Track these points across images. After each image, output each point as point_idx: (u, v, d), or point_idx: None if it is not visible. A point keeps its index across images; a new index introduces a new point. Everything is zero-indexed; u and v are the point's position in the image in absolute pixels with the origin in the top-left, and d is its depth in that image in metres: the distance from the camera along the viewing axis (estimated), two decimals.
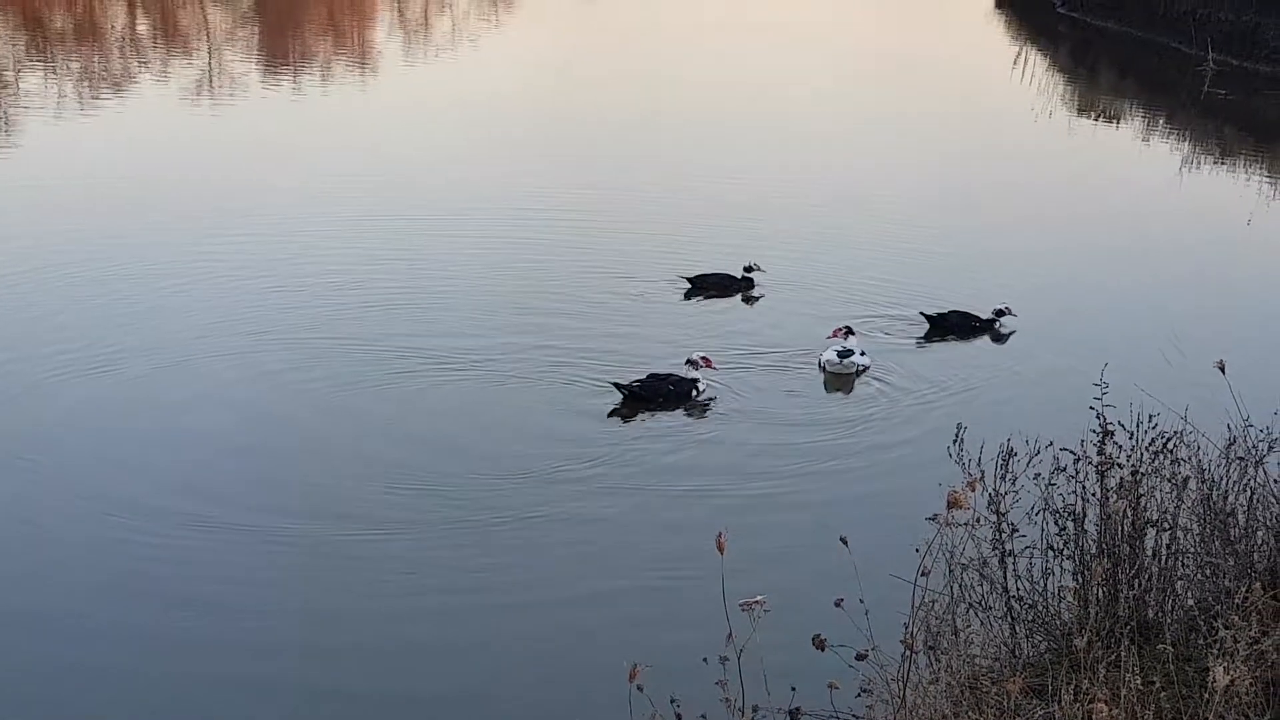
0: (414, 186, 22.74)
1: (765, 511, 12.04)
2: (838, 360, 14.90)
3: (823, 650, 5.93)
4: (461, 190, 22.48)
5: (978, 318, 16.32)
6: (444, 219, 20.61)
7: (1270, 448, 7.47)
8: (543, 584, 10.86)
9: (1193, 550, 7.27)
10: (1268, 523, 7.10)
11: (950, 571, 6.94)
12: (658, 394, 13.83)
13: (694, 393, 14.01)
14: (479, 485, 12.35)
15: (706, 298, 17.00)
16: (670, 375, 14.04)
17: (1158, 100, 32.62)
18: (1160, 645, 6.19)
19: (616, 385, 13.92)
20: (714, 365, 14.33)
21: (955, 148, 26.33)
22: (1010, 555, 7.28)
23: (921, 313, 16.35)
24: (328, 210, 21.08)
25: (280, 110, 29.23)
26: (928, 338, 16.09)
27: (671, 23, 41.29)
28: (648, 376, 14.00)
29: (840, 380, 14.86)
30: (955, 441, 7.31)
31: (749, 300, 17.09)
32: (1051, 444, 7.51)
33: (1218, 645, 5.71)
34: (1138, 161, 26.47)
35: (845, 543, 6.30)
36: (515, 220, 20.52)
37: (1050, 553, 7.33)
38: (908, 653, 5.97)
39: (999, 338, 16.24)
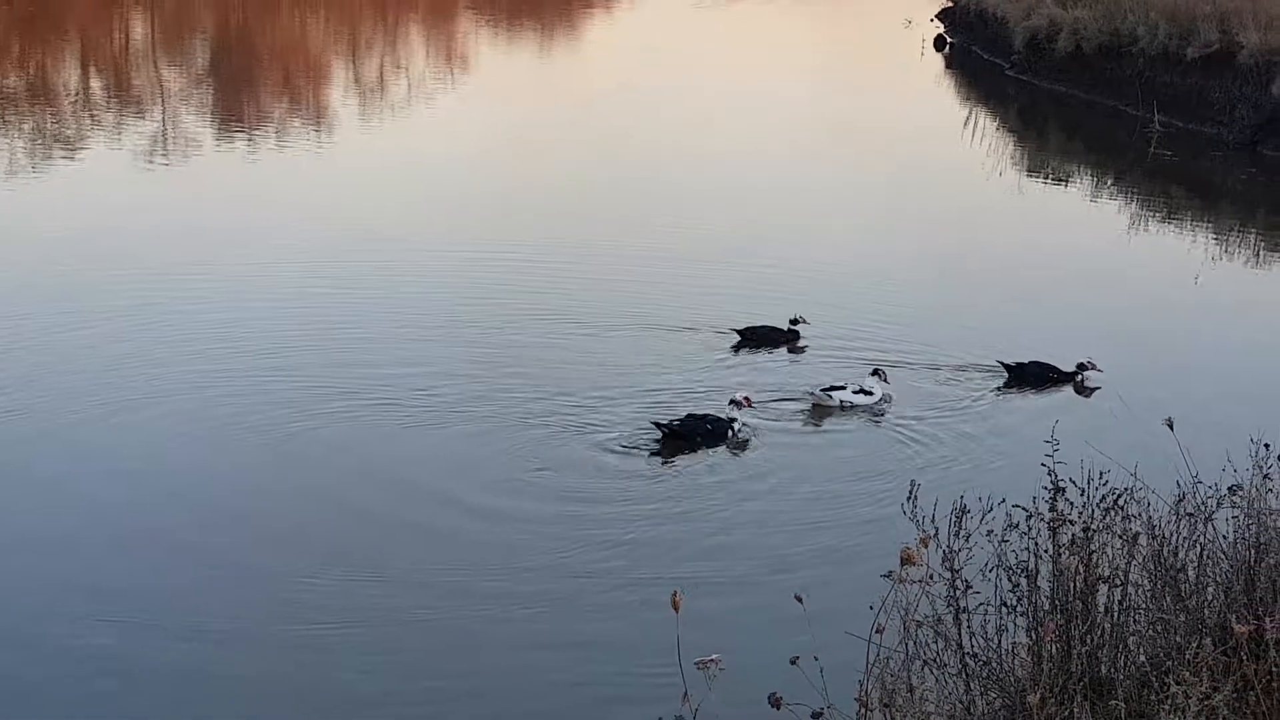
0: (404, 241, 22.80)
1: (726, 567, 12.07)
2: (819, 392, 15.56)
3: (779, 708, 5.94)
4: (467, 245, 22.61)
5: (1057, 369, 16.45)
6: (448, 274, 20.75)
7: (1219, 504, 7.54)
8: (503, 647, 10.80)
9: (1144, 606, 7.30)
10: (1217, 579, 7.16)
11: (905, 628, 6.95)
12: (695, 433, 14.48)
13: (730, 433, 14.61)
14: (456, 558, 12.26)
15: (755, 349, 17.48)
16: (708, 415, 14.69)
17: (1105, 161, 33.08)
18: (1113, 701, 6.23)
19: (656, 424, 14.55)
20: (753, 405, 14.96)
21: (911, 208, 26.57)
22: (965, 612, 7.30)
23: (999, 361, 16.54)
24: (312, 265, 21.10)
25: (234, 168, 29.21)
26: (1006, 388, 16.27)
27: (628, 86, 41.59)
28: (686, 417, 14.68)
29: (821, 411, 15.50)
30: (909, 499, 7.34)
31: (795, 351, 17.50)
32: (1004, 500, 7.56)
33: (1169, 701, 5.75)
34: (1086, 221, 26.78)
35: (800, 600, 6.32)
36: (526, 273, 20.78)
37: (1004, 609, 7.36)
38: (863, 710, 5.98)
39: (1082, 391, 16.37)
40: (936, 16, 52.41)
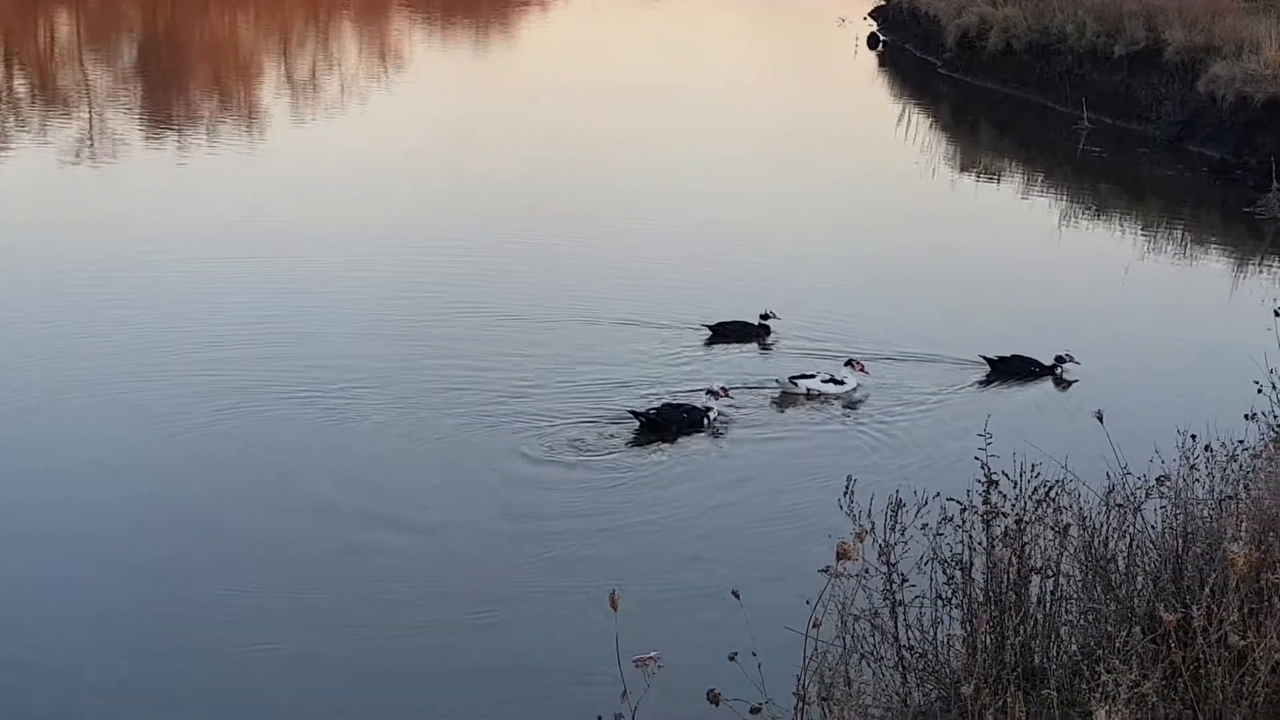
0: (348, 238, 22.71)
1: (667, 564, 12.12)
2: (786, 380, 15.99)
3: (717, 705, 5.98)
4: (414, 241, 22.59)
5: (1038, 363, 16.83)
6: (396, 270, 20.67)
7: (1147, 494, 7.67)
8: (435, 649, 10.79)
9: (1075, 596, 7.43)
10: (1146, 568, 7.28)
11: (843, 623, 7.02)
12: (671, 421, 14.76)
13: (705, 421, 14.91)
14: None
15: (727, 344, 17.79)
16: (684, 405, 15.01)
17: (1036, 158, 33.42)
18: (1045, 690, 6.32)
19: (634, 413, 14.85)
20: (730, 395, 15.28)
21: (849, 206, 26.75)
22: (901, 605, 7.39)
23: (982, 356, 16.85)
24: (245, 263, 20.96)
25: (165, 167, 28.91)
26: (988, 381, 16.62)
27: (564, 84, 41.54)
28: (663, 405, 14.97)
29: (789, 398, 15.90)
30: (846, 493, 7.42)
31: (765, 347, 17.85)
32: (939, 494, 7.65)
33: (1100, 689, 5.85)
34: (1019, 217, 27.07)
35: (737, 596, 6.37)
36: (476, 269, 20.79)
37: (939, 602, 7.45)
38: (800, 705, 6.04)
39: (1061, 384, 16.73)
40: (869, 15, 52.77)
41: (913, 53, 46.20)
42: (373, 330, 17.82)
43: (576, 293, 19.56)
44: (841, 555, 5.48)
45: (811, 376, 16.10)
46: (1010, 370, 16.76)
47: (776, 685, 6.41)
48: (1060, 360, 16.84)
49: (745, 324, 18.10)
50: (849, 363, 16.32)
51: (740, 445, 14.74)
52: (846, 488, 7.47)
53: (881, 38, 50.88)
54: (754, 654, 6.22)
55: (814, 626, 6.19)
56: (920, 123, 37.06)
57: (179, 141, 31.63)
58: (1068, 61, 36.13)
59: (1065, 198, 28.65)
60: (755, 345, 17.91)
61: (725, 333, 17.95)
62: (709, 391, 15.25)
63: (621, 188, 27.52)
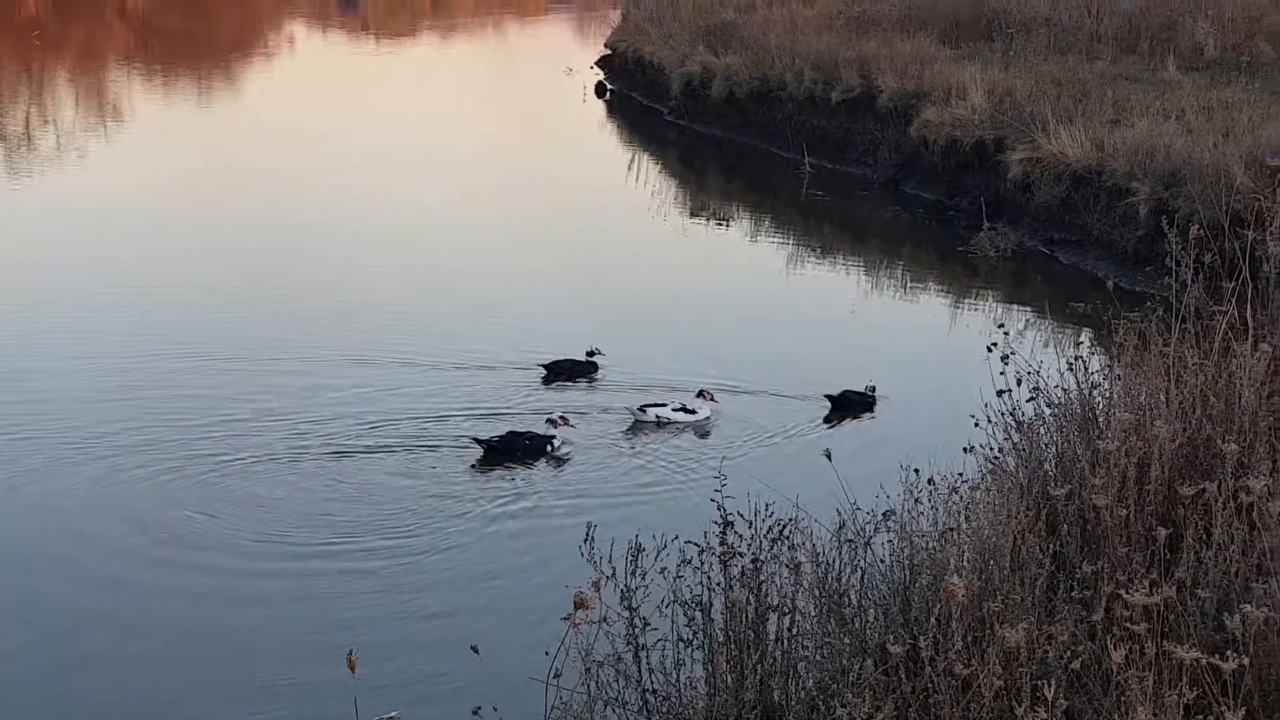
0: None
1: (402, 621, 11.94)
2: (636, 410, 16.44)
3: None
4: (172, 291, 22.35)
5: (866, 396, 17.43)
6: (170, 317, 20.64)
7: (876, 529, 7.92)
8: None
9: (812, 632, 7.61)
10: (877, 601, 7.52)
11: (587, 670, 7.04)
12: (513, 448, 15.07)
13: (549, 448, 15.37)
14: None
15: (564, 381, 18.19)
16: (528, 432, 15.55)
17: (762, 201, 34.29)
18: None
19: (476, 440, 15.14)
20: (571, 424, 15.63)
21: (584, 252, 26.97)
22: (643, 649, 7.45)
23: (826, 395, 17.28)
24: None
25: None
26: (830, 418, 17.07)
27: (288, 136, 40.86)
28: (507, 433, 15.49)
29: (638, 426, 16.32)
30: (586, 540, 7.46)
31: (593, 382, 18.29)
32: (678, 537, 7.76)
33: None
34: (747, 259, 27.71)
35: (476, 651, 6.34)
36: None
37: (681, 644, 7.54)
38: None
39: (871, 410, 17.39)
40: (596, 64, 53.45)
41: (639, 101, 46.94)
42: (140, 383, 17.59)
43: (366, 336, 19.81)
44: (579, 605, 5.50)
45: (663, 405, 16.52)
46: (848, 406, 17.32)
47: None
48: (871, 389, 17.53)
49: (576, 361, 18.54)
50: (700, 393, 16.75)
51: (547, 482, 14.89)
52: (587, 534, 7.52)
53: (609, 86, 51.57)
54: (495, 708, 6.19)
55: (555, 676, 6.20)
56: (650, 169, 37.67)
57: None
58: (789, 108, 37.23)
59: (791, 240, 29.46)
60: (586, 380, 18.32)
61: (559, 370, 18.39)
62: (549, 420, 15.63)
63: (354, 239, 27.21)
